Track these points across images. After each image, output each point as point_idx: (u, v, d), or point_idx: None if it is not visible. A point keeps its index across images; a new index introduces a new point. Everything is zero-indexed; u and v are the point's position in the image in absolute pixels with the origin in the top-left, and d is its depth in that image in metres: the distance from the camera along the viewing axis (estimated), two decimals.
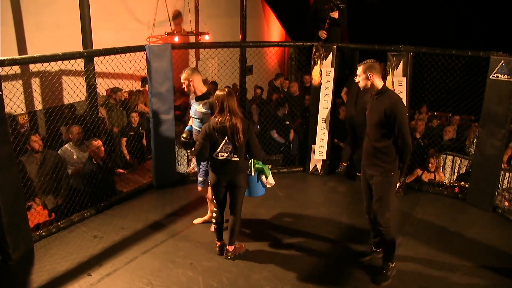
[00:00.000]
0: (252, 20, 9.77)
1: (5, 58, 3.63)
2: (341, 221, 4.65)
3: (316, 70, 5.58)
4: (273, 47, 9.45)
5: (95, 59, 4.85)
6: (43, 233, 4.24)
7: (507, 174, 5.28)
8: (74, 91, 4.95)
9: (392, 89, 4.98)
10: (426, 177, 5.61)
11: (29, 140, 4.78)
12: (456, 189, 5.40)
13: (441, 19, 9.48)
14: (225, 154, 3.65)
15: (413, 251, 4.09)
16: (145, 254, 4.01)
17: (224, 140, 3.60)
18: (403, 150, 3.38)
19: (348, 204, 5.14)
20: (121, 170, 5.72)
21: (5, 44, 5.63)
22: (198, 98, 4.08)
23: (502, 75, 4.51)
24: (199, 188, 4.25)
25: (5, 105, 3.71)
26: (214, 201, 3.90)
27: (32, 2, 6.07)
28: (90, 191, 4.83)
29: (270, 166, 4.19)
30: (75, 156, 5.29)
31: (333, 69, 5.52)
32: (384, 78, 4.48)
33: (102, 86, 6.12)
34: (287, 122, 6.85)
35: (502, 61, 4.49)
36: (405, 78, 5.00)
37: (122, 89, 6.75)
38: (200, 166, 4.19)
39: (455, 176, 5.87)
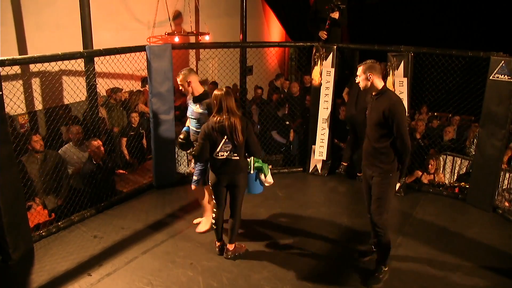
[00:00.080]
0: (252, 20, 9.76)
1: (5, 58, 3.64)
2: (341, 221, 4.65)
3: (316, 71, 5.58)
4: (273, 47, 9.45)
5: (95, 59, 4.85)
6: (43, 233, 4.24)
7: (507, 175, 5.28)
8: (74, 91, 4.95)
9: (393, 90, 4.99)
10: (425, 178, 5.61)
11: (29, 140, 4.78)
12: (456, 190, 5.40)
13: (441, 19, 9.48)
14: (225, 154, 3.65)
15: (413, 251, 4.09)
16: (145, 254, 4.01)
17: (224, 140, 3.61)
18: (402, 151, 3.36)
19: (348, 204, 5.14)
20: (122, 171, 5.71)
21: (5, 44, 5.64)
22: (196, 99, 4.07)
23: (502, 75, 4.51)
24: (193, 187, 4.23)
25: (5, 105, 3.72)
26: (214, 201, 3.90)
27: (33, 2, 6.07)
28: (90, 191, 4.83)
29: (270, 167, 4.19)
30: (75, 156, 5.29)
31: (333, 69, 5.52)
32: (384, 79, 4.48)
33: (102, 86, 6.12)
34: (287, 122, 6.85)
35: (502, 61, 4.49)
36: (406, 78, 5.00)
37: (122, 89, 6.75)
38: (196, 165, 4.18)
39: (455, 177, 5.87)
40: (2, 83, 3.65)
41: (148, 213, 4.77)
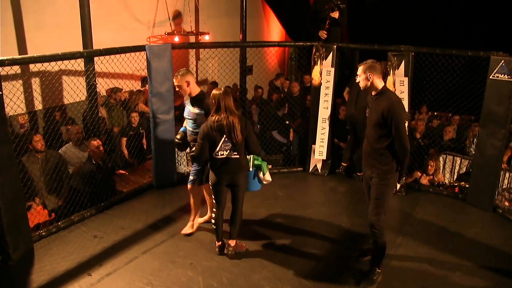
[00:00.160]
0: (252, 20, 9.76)
1: (5, 58, 3.64)
2: (341, 221, 4.65)
3: (316, 70, 5.58)
4: (273, 47, 9.45)
5: (95, 59, 4.85)
6: (43, 233, 4.24)
7: (507, 174, 5.28)
8: (74, 91, 4.95)
9: (393, 89, 4.99)
10: (424, 179, 5.60)
11: (30, 140, 4.78)
12: (456, 189, 5.40)
13: (441, 19, 9.48)
14: (225, 153, 3.66)
15: (413, 251, 4.08)
16: (145, 254, 4.01)
17: (223, 139, 3.62)
18: (401, 152, 3.33)
19: (348, 204, 5.14)
20: (122, 171, 5.71)
21: (5, 44, 5.64)
22: (193, 99, 4.05)
23: (502, 75, 4.51)
24: (188, 186, 4.22)
25: (5, 105, 3.71)
26: (214, 201, 3.90)
27: (33, 2, 6.07)
28: (90, 191, 4.83)
29: (270, 166, 4.20)
30: (75, 156, 5.29)
31: (333, 69, 5.52)
32: (384, 78, 4.48)
33: (102, 86, 6.12)
34: (287, 122, 6.85)
35: (502, 61, 4.49)
36: (406, 78, 5.00)
37: (122, 89, 6.75)
38: (193, 166, 4.16)
39: (455, 176, 5.87)
40: (2, 83, 3.65)
41: (148, 213, 4.77)
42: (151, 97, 5.09)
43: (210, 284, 3.59)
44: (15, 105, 4.17)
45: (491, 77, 4.59)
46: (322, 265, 3.88)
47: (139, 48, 4.95)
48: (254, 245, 4.14)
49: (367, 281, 3.58)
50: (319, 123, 5.67)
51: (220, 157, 3.68)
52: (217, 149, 3.65)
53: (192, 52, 8.95)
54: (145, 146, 6.38)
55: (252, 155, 3.95)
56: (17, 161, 4.05)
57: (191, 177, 4.17)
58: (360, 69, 3.44)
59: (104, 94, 6.60)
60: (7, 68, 3.76)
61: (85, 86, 5.00)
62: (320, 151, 5.75)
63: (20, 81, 5.81)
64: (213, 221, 3.93)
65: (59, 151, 5.16)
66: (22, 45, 6.03)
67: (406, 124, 4.66)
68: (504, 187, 5.22)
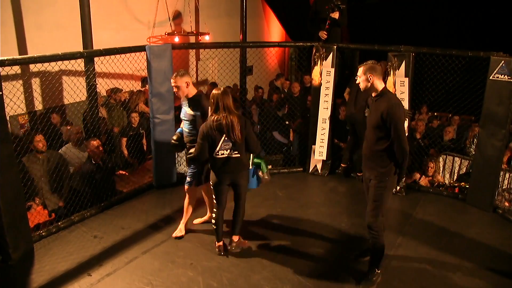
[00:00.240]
0: (252, 20, 9.77)
1: (5, 58, 3.64)
2: (341, 221, 4.65)
3: (316, 71, 5.58)
4: (273, 47, 9.45)
5: (95, 59, 4.85)
6: (43, 233, 4.24)
7: (507, 175, 5.28)
8: (74, 91, 4.95)
9: (394, 90, 4.99)
10: (424, 180, 5.60)
11: (30, 140, 4.78)
12: (456, 190, 5.40)
13: (441, 19, 9.48)
14: (225, 152, 3.67)
15: (413, 251, 4.09)
16: (145, 254, 4.01)
17: (223, 138, 3.63)
18: (399, 155, 3.30)
19: (348, 204, 5.14)
20: (122, 172, 5.71)
21: (5, 44, 5.64)
22: (191, 100, 4.02)
23: (502, 75, 4.51)
24: (185, 187, 4.23)
25: (5, 105, 3.71)
26: (214, 201, 3.90)
27: (33, 2, 6.07)
28: (89, 191, 4.83)
29: (270, 167, 4.21)
30: (75, 156, 5.29)
31: (333, 69, 5.52)
32: (384, 79, 4.47)
33: (103, 86, 6.12)
34: (287, 122, 6.85)
35: (502, 61, 4.49)
36: (407, 78, 5.00)
37: (122, 90, 6.75)
38: (189, 167, 4.15)
39: (455, 177, 5.87)
40: (2, 83, 3.65)
41: (148, 213, 4.77)
42: (151, 97, 5.09)
43: (210, 284, 3.59)
44: (15, 105, 4.17)
45: (491, 77, 4.59)
46: (322, 265, 3.88)
47: (139, 48, 4.95)
48: (254, 245, 4.14)
49: (366, 282, 3.58)
50: (319, 123, 5.67)
51: (220, 156, 3.68)
52: (217, 148, 3.66)
53: (192, 52, 8.96)
54: (145, 146, 6.38)
55: (252, 154, 3.96)
56: (17, 161, 4.05)
57: (188, 179, 4.17)
58: (361, 70, 3.42)
59: (104, 94, 6.60)
60: (7, 68, 3.76)
61: (85, 86, 5.00)
62: (320, 152, 5.75)
63: (20, 81, 5.82)
64: (213, 221, 3.93)
65: (59, 151, 5.16)
66: (22, 45, 6.03)
67: (406, 124, 4.67)
68: (504, 187, 5.22)
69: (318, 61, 5.54)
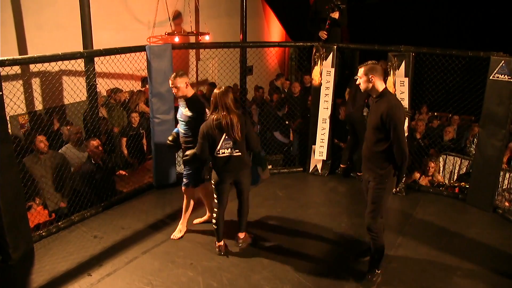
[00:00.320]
0: (253, 20, 9.77)
1: (5, 58, 3.64)
2: (341, 221, 4.65)
3: (316, 71, 5.58)
4: (273, 47, 9.45)
5: (96, 59, 4.85)
6: (43, 233, 4.24)
7: (507, 175, 5.28)
8: (74, 91, 4.95)
9: (394, 90, 4.99)
10: (423, 180, 5.60)
11: (32, 140, 4.78)
12: (456, 190, 5.40)
13: (441, 19, 9.48)
14: (226, 151, 3.68)
15: (413, 251, 4.09)
16: (145, 254, 4.01)
17: (223, 137, 3.63)
18: (398, 157, 3.28)
19: (348, 204, 5.14)
20: (123, 172, 5.71)
21: (5, 44, 5.64)
22: (188, 101, 4.00)
23: (502, 75, 4.50)
24: (183, 188, 4.23)
25: (5, 105, 3.71)
26: (215, 200, 3.90)
27: (33, 2, 6.07)
28: (89, 191, 4.83)
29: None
30: (75, 156, 5.29)
31: (334, 69, 5.52)
32: (384, 78, 4.47)
33: (103, 86, 6.12)
34: (286, 122, 6.85)
35: (503, 61, 4.49)
36: (407, 78, 5.00)
37: (123, 90, 6.75)
38: (184, 169, 4.14)
39: (455, 177, 5.87)
40: (2, 83, 3.65)
41: (148, 213, 4.77)
42: (151, 97, 5.09)
43: (210, 284, 3.60)
44: (15, 105, 4.17)
45: (491, 77, 4.59)
46: (322, 265, 3.88)
47: (139, 48, 4.95)
48: (254, 245, 4.14)
49: (366, 282, 3.58)
50: (319, 123, 5.67)
51: (221, 155, 3.69)
52: (218, 147, 3.67)
53: (192, 52, 8.96)
54: (145, 146, 6.38)
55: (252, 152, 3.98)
56: (17, 161, 4.04)
57: (184, 180, 4.17)
58: (361, 71, 3.38)
59: (105, 94, 6.60)
60: (7, 68, 3.75)
61: (85, 86, 5.00)
62: (320, 152, 5.75)
63: (20, 81, 5.82)
64: (214, 221, 3.93)
65: (59, 151, 5.16)
66: (22, 45, 6.03)
67: (406, 124, 4.67)
68: (504, 187, 5.22)
69: (318, 61, 5.54)
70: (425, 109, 7.46)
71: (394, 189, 3.58)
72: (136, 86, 7.25)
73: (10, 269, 3.79)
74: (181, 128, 4.10)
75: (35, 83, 6.02)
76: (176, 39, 7.52)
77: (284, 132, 7.00)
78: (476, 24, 8.98)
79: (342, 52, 5.73)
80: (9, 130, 4.04)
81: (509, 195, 5.12)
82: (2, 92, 3.63)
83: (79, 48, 4.96)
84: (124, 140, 6.20)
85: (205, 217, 4.56)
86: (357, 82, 3.46)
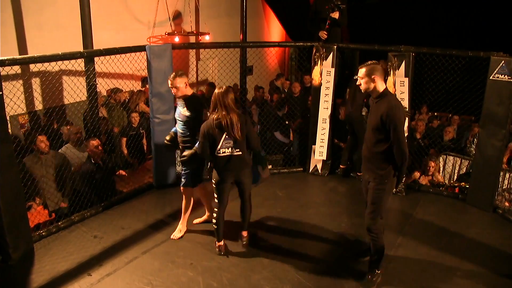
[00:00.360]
0: (253, 20, 9.77)
1: (5, 58, 3.64)
2: (341, 221, 4.65)
3: (316, 71, 5.58)
4: (273, 47, 9.45)
5: (96, 59, 4.85)
6: (43, 233, 4.24)
7: (507, 175, 5.28)
8: (74, 91, 4.95)
9: (393, 89, 4.99)
10: (423, 179, 5.60)
11: (30, 140, 4.77)
12: (456, 190, 5.40)
13: (441, 19, 9.49)
14: (227, 150, 3.69)
15: (413, 251, 4.09)
16: (145, 254, 4.01)
17: (224, 136, 3.64)
18: (398, 158, 3.28)
19: (348, 204, 5.14)
20: (123, 172, 5.71)
21: (5, 44, 5.64)
22: (187, 101, 4.00)
23: (503, 75, 4.50)
24: (181, 189, 4.23)
25: (5, 105, 3.71)
26: (216, 200, 3.90)
27: (33, 2, 6.07)
28: (89, 191, 4.83)
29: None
30: (75, 156, 5.29)
31: (334, 69, 5.52)
32: (385, 78, 4.47)
33: (103, 86, 6.12)
34: (286, 122, 6.85)
35: (503, 61, 4.49)
36: (407, 78, 5.00)
37: (123, 90, 6.75)
38: (184, 168, 4.14)
39: (455, 177, 5.87)
40: (2, 83, 3.65)
41: (148, 213, 4.77)
42: (151, 97, 5.09)
43: (210, 284, 3.60)
44: (15, 105, 4.17)
45: (491, 77, 4.59)
46: (322, 265, 3.88)
47: (139, 48, 4.95)
48: (254, 245, 4.14)
49: (366, 282, 3.58)
50: (319, 123, 5.67)
51: (222, 155, 3.70)
52: (219, 147, 3.67)
53: (192, 52, 8.96)
54: (145, 146, 6.38)
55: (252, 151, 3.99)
56: (17, 161, 4.04)
57: (183, 180, 4.17)
58: (363, 71, 3.34)
59: (105, 94, 6.60)
60: (7, 68, 3.75)
61: (85, 86, 5.00)
62: (320, 152, 5.75)
63: (20, 81, 5.82)
64: (214, 220, 3.93)
65: (58, 151, 5.15)
66: (22, 45, 6.03)
67: (406, 124, 4.67)
68: (504, 187, 5.22)
69: (318, 61, 5.54)
70: (425, 109, 7.46)
71: (394, 189, 3.58)
72: (136, 86, 7.25)
73: (10, 269, 3.79)
74: (179, 127, 4.10)
75: (35, 83, 6.02)
76: (176, 39, 7.52)
77: (284, 132, 7.00)
78: (476, 24, 8.98)
79: (342, 52, 5.73)
80: (9, 130, 4.04)
81: (509, 195, 5.12)
82: (2, 92, 3.63)
83: (79, 48, 4.96)
84: (124, 140, 6.20)
85: (205, 217, 4.56)
86: (358, 83, 3.44)
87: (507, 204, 5.02)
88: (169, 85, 4.00)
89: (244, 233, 4.12)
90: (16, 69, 4.64)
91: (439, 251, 4.08)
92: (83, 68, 4.89)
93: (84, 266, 3.80)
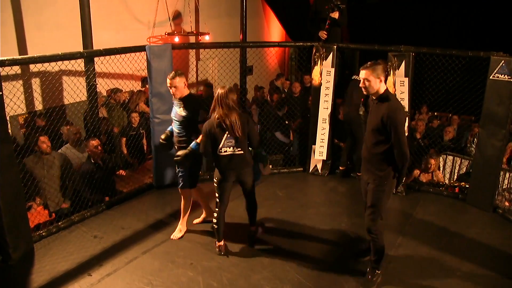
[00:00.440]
0: (252, 20, 9.77)
1: (5, 58, 3.64)
2: (341, 221, 4.65)
3: (316, 70, 5.58)
4: (273, 47, 9.45)
5: (96, 59, 4.85)
6: (43, 233, 4.24)
7: (507, 174, 5.28)
8: (74, 92, 4.95)
9: (394, 90, 4.99)
10: (424, 177, 5.60)
11: (30, 140, 4.77)
12: (456, 189, 5.40)
13: (441, 19, 9.49)
14: (228, 149, 3.70)
15: (413, 251, 4.09)
16: (145, 254, 4.01)
17: (225, 135, 3.66)
18: (399, 160, 3.26)
19: (348, 204, 5.14)
20: (123, 172, 5.71)
21: (5, 44, 5.64)
22: (184, 101, 3.98)
23: (503, 75, 4.50)
24: (179, 190, 4.23)
25: (5, 105, 3.71)
26: (217, 199, 3.90)
27: (33, 2, 6.07)
28: (89, 191, 4.83)
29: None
30: (75, 157, 5.29)
31: (334, 69, 5.52)
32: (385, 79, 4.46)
33: (103, 86, 6.12)
34: (286, 122, 6.85)
35: (503, 61, 4.49)
36: (407, 78, 5.00)
37: (123, 90, 6.75)
38: (178, 170, 4.13)
39: (455, 177, 5.87)
40: (2, 83, 3.65)
41: (148, 213, 4.77)
42: (151, 97, 5.09)
43: (210, 284, 3.60)
44: (15, 105, 4.17)
45: (491, 77, 4.59)
46: (322, 265, 3.88)
47: (139, 48, 4.95)
48: (254, 245, 4.14)
49: (366, 282, 3.58)
50: (319, 123, 5.67)
51: (224, 154, 3.71)
52: (220, 146, 3.69)
53: (192, 52, 8.96)
54: (145, 146, 6.38)
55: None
56: (17, 161, 4.04)
57: (180, 182, 4.16)
58: (368, 73, 3.28)
59: (104, 94, 6.60)
60: (7, 68, 3.76)
61: (85, 86, 5.00)
62: (320, 152, 5.75)
63: (20, 81, 5.82)
64: (214, 220, 3.93)
65: (58, 151, 5.15)
66: (22, 45, 6.03)
67: (406, 124, 4.66)
68: (504, 187, 5.22)
69: (318, 61, 5.54)
70: (425, 109, 7.46)
71: (393, 190, 3.58)
72: (136, 86, 7.25)
73: (10, 269, 3.79)
74: (175, 127, 4.10)
75: (35, 83, 6.01)
76: (176, 39, 7.52)
77: (284, 132, 7.00)
78: (476, 24, 8.99)
79: (342, 52, 5.73)
80: (9, 130, 4.04)
81: (509, 195, 5.12)
82: (2, 92, 3.63)
83: (79, 48, 4.96)
84: (124, 140, 6.20)
85: (203, 215, 4.56)
86: (362, 84, 3.35)
87: (507, 204, 5.01)
88: (168, 85, 3.99)
89: (253, 228, 4.18)
90: (16, 69, 4.64)
91: (439, 251, 4.08)
92: (83, 68, 4.89)
93: (84, 266, 3.81)
